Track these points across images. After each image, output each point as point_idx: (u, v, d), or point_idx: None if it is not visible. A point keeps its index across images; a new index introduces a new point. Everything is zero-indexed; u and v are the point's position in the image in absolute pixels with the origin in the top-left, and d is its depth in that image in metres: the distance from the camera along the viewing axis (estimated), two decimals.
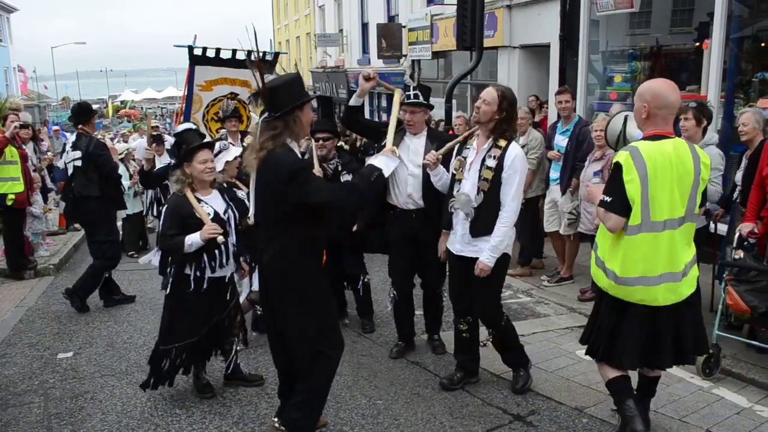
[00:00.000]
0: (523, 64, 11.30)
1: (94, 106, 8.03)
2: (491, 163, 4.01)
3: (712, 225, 5.37)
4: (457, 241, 4.22)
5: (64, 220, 10.60)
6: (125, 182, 8.68)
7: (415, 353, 5.12)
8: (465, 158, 4.20)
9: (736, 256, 4.48)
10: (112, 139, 16.13)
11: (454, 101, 11.57)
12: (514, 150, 4.04)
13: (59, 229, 10.30)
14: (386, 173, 3.43)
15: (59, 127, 19.88)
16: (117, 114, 36.65)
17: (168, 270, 4.20)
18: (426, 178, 4.57)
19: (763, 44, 7.18)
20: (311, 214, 3.30)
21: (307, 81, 26.45)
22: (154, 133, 9.92)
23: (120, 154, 9.67)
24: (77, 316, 6.30)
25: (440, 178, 4.41)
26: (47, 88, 49.71)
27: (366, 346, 5.31)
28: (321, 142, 5.36)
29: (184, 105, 7.70)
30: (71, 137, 6.92)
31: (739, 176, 5.10)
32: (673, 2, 8.62)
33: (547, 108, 9.80)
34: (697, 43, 7.77)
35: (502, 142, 4.04)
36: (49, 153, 11.38)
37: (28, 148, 8.60)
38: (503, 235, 4.03)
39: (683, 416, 4.04)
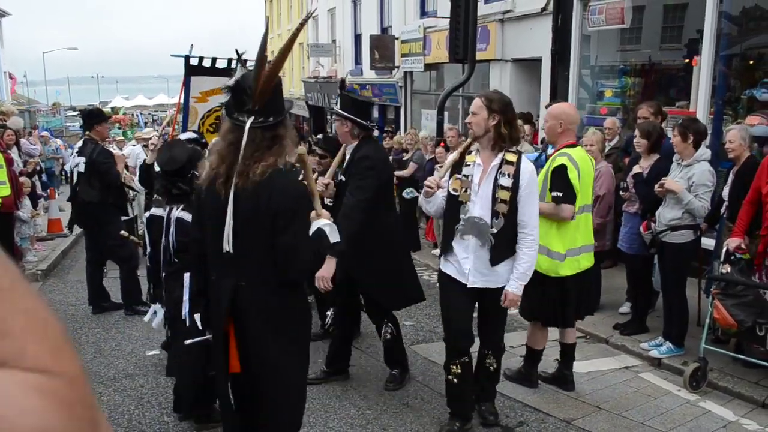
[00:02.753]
0: (514, 77, 11.39)
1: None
2: (506, 182, 3.61)
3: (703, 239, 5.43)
4: (470, 271, 3.71)
5: (56, 225, 10.55)
6: None
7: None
8: (467, 177, 3.71)
9: (724, 271, 4.52)
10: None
11: (446, 113, 11.64)
12: (527, 164, 3.71)
13: (47, 235, 10.23)
14: (332, 240, 2.85)
15: (49, 133, 19.77)
16: (109, 119, 36.51)
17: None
18: (338, 197, 4.34)
19: (751, 62, 7.28)
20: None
21: (299, 91, 26.52)
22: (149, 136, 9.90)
23: None
24: (65, 323, 6.23)
25: (434, 204, 3.85)
26: (36, 93, 49.49)
27: (355, 356, 5.30)
28: (318, 158, 5.38)
29: (178, 115, 7.68)
30: (78, 143, 6.97)
31: (726, 192, 5.16)
32: (663, 19, 8.74)
33: (537, 122, 9.87)
34: (687, 60, 7.87)
35: (512, 157, 3.65)
36: (37, 157, 11.33)
37: (12, 153, 8.57)
38: (531, 259, 3.69)
39: (670, 429, 4.06)
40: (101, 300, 6.62)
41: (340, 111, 4.41)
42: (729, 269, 4.50)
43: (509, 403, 4.41)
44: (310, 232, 2.78)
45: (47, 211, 10.91)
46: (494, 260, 3.67)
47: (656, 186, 4.90)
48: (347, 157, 4.45)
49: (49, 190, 11.30)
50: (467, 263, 3.70)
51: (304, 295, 3.03)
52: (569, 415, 4.25)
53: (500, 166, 3.63)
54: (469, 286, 3.73)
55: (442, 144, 8.55)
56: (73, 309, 6.73)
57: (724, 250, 4.58)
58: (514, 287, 3.68)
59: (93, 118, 6.73)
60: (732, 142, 4.97)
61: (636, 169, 5.29)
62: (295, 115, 29.72)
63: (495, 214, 3.63)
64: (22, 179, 8.26)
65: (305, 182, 2.91)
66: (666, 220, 4.94)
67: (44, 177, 12.40)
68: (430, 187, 3.69)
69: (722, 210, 5.24)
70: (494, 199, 3.62)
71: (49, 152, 16.11)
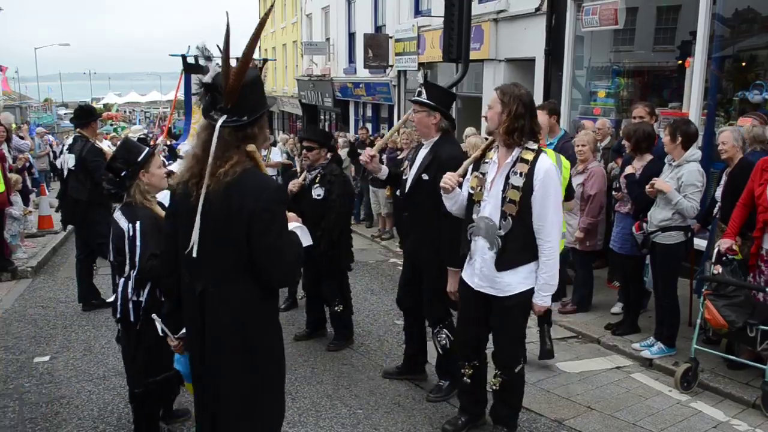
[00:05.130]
0: (508, 77, 11.38)
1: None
2: (517, 181, 3.35)
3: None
4: (476, 274, 3.56)
5: (46, 221, 10.48)
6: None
7: (396, 363, 5.10)
8: (484, 175, 3.52)
9: (715, 271, 4.54)
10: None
11: None
12: (544, 163, 3.35)
13: (38, 232, 10.16)
14: (304, 244, 2.76)
15: (43, 128, 19.68)
16: (100, 117, 36.44)
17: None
18: (408, 196, 4.22)
19: (743, 64, 7.31)
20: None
21: (293, 89, 26.46)
22: (141, 137, 9.87)
23: None
24: (54, 320, 6.21)
25: (455, 201, 3.68)
26: (28, 89, 49.23)
27: (347, 355, 5.29)
28: (305, 152, 5.34)
29: (173, 111, 7.66)
30: (68, 140, 6.91)
31: (719, 193, 5.18)
32: (656, 20, 8.76)
33: None
34: (680, 61, 7.90)
35: (528, 155, 3.36)
36: (27, 153, 11.25)
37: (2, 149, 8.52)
38: (552, 268, 3.41)
39: (661, 429, 4.07)
40: (91, 297, 6.57)
41: (429, 101, 4.12)
42: (720, 270, 4.52)
43: None
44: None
45: (38, 208, 10.85)
46: (500, 265, 3.43)
47: (647, 186, 4.92)
48: (424, 151, 4.22)
49: (39, 187, 11.22)
50: (476, 265, 3.55)
51: (275, 304, 2.81)
52: (560, 416, 4.25)
53: (513, 164, 3.39)
54: (474, 288, 3.58)
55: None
56: (63, 306, 6.68)
57: (715, 251, 4.60)
58: (539, 299, 3.46)
59: (86, 115, 6.67)
60: (725, 144, 4.99)
61: (629, 169, 5.30)
62: (288, 113, 29.72)
63: (503, 215, 3.39)
64: (12, 176, 8.20)
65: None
66: (657, 220, 4.95)
67: (35, 173, 12.33)
68: (446, 185, 3.56)
69: (715, 211, 5.25)
70: (503, 199, 3.39)
71: (40, 149, 15.99)
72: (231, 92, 2.47)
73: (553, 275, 3.43)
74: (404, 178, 4.36)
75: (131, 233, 3.43)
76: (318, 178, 5.29)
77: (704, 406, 4.38)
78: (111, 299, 3.69)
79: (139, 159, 3.55)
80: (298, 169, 6.21)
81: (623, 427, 4.12)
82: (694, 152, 4.89)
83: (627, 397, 4.56)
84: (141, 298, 3.51)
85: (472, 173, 3.62)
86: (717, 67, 7.32)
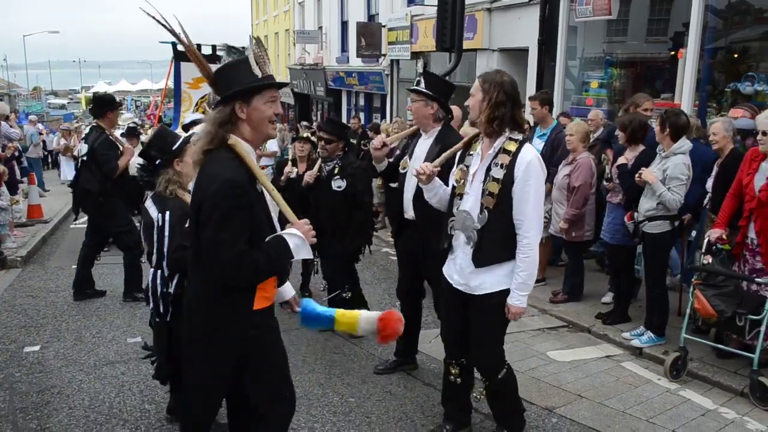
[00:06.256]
0: (501, 67, 11.35)
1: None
2: (498, 173, 3.18)
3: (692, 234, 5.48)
4: (456, 270, 3.41)
5: (36, 210, 10.41)
6: None
7: (388, 353, 5.12)
8: (468, 167, 3.39)
9: (705, 261, 4.57)
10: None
11: None
12: (527, 154, 3.18)
13: (27, 221, 10.10)
14: (296, 257, 2.62)
15: (36, 117, 19.57)
16: (119, 106, 36.26)
17: None
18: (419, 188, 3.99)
19: (736, 55, 7.34)
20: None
21: (285, 77, 26.31)
22: (131, 125, 9.77)
23: None
24: (45, 310, 6.18)
25: (435, 193, 3.53)
26: (16, 77, 48.76)
27: (338, 343, 5.30)
28: (322, 143, 5.28)
29: (164, 100, 7.63)
30: (86, 129, 6.82)
31: (710, 183, 5.20)
32: (649, 11, 8.77)
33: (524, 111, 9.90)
34: (672, 52, 7.92)
35: (511, 146, 3.20)
36: (16, 142, 11.14)
37: None
38: (529, 266, 3.21)
39: (650, 417, 4.11)
40: (86, 287, 6.53)
41: (427, 91, 4.08)
42: (710, 260, 4.55)
43: None
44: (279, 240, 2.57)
45: (27, 197, 10.77)
46: (478, 261, 3.26)
47: (636, 176, 4.95)
48: (427, 142, 4.17)
49: (28, 176, 11.14)
50: (456, 261, 3.41)
51: (244, 298, 2.58)
52: (551, 403, 4.28)
53: (495, 156, 3.23)
54: (453, 285, 3.44)
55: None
56: (53, 296, 6.65)
57: (705, 240, 4.62)
58: (515, 299, 3.25)
59: (105, 104, 6.52)
60: (716, 134, 5.01)
61: (621, 160, 5.32)
62: (281, 102, 29.57)
63: (481, 208, 3.22)
64: None
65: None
66: (644, 210, 4.98)
67: (23, 162, 12.23)
68: (421, 174, 3.38)
69: (705, 201, 5.28)
70: (483, 191, 3.23)
71: (35, 139, 15.87)
72: (209, 81, 2.58)
73: (530, 274, 3.23)
74: (403, 170, 4.29)
75: (161, 223, 3.41)
76: (337, 170, 5.25)
77: (693, 395, 4.42)
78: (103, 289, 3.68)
79: (174, 147, 3.54)
80: (290, 159, 6.20)
81: (613, 414, 4.15)
82: (683, 144, 4.89)
83: (617, 385, 4.59)
84: (170, 290, 3.46)
85: (456, 165, 3.50)
86: (709, 58, 7.34)
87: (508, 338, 5.37)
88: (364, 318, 2.80)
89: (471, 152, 3.43)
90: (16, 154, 10.67)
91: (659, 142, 4.99)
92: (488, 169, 3.23)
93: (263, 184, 2.63)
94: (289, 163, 6.07)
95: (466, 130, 7.71)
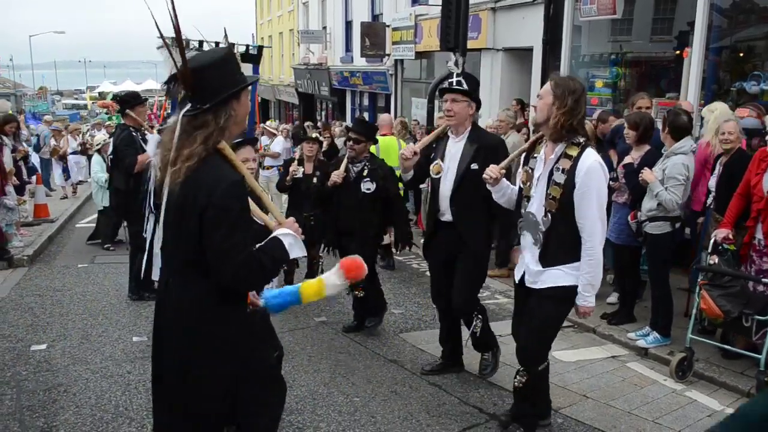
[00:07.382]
0: (506, 66, 11.38)
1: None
2: (559, 177, 3.26)
3: (686, 231, 5.46)
4: (524, 267, 3.54)
5: (42, 210, 10.45)
6: (102, 174, 8.58)
7: (393, 351, 5.13)
8: (532, 170, 3.48)
9: (711, 261, 4.56)
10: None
11: (436, 102, 11.61)
12: (588, 159, 3.22)
13: (34, 220, 10.14)
14: (291, 256, 2.59)
15: (50, 117, 19.58)
16: (143, 102, 36.36)
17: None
18: (457, 189, 4.16)
19: (741, 54, 7.32)
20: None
21: (289, 78, 26.34)
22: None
23: (97, 146, 9.56)
24: (51, 308, 6.21)
25: (503, 194, 3.68)
26: (22, 77, 48.93)
27: (344, 343, 5.31)
28: (351, 143, 5.22)
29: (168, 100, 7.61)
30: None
31: (713, 182, 5.19)
32: (654, 11, 8.75)
33: (528, 111, 9.88)
34: (678, 52, 7.89)
35: (573, 150, 3.25)
36: (25, 144, 11.20)
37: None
38: (594, 268, 3.30)
39: (656, 418, 4.10)
40: (144, 289, 6.33)
41: (472, 91, 4.12)
42: (716, 260, 4.54)
43: (497, 392, 4.43)
44: (271, 240, 2.53)
45: (33, 197, 10.81)
46: (545, 262, 3.38)
47: (640, 175, 4.95)
48: (459, 143, 4.18)
49: (35, 176, 11.19)
50: (525, 259, 3.51)
51: (236, 309, 2.53)
52: (556, 404, 4.27)
53: (557, 160, 3.29)
54: (516, 279, 3.60)
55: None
56: (60, 294, 6.68)
57: (711, 240, 4.61)
58: (581, 299, 3.36)
59: (127, 102, 6.48)
60: (732, 134, 4.95)
61: (627, 159, 5.30)
62: (285, 102, 29.61)
63: (545, 211, 3.33)
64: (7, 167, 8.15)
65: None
66: (645, 210, 4.98)
67: (30, 162, 12.27)
68: (488, 177, 3.58)
69: (709, 201, 5.26)
70: (546, 195, 3.32)
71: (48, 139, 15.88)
72: (183, 79, 2.35)
73: (594, 275, 3.31)
74: (437, 175, 4.26)
75: None
76: (366, 172, 5.20)
77: (699, 395, 4.41)
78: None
79: None
80: (296, 158, 6.21)
81: (618, 415, 4.15)
82: (683, 144, 4.87)
83: (622, 385, 4.59)
84: None
85: (522, 167, 3.57)
86: (715, 57, 7.32)
87: (510, 339, 5.42)
88: (326, 276, 2.76)
89: (535, 155, 3.49)
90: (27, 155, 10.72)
91: (663, 140, 5.00)
92: (550, 173, 3.31)
93: (250, 185, 2.59)
94: (295, 162, 6.08)
95: (489, 123, 7.71)
